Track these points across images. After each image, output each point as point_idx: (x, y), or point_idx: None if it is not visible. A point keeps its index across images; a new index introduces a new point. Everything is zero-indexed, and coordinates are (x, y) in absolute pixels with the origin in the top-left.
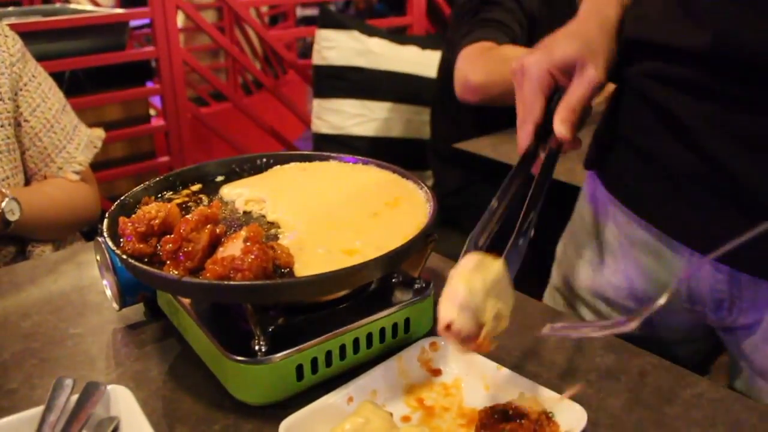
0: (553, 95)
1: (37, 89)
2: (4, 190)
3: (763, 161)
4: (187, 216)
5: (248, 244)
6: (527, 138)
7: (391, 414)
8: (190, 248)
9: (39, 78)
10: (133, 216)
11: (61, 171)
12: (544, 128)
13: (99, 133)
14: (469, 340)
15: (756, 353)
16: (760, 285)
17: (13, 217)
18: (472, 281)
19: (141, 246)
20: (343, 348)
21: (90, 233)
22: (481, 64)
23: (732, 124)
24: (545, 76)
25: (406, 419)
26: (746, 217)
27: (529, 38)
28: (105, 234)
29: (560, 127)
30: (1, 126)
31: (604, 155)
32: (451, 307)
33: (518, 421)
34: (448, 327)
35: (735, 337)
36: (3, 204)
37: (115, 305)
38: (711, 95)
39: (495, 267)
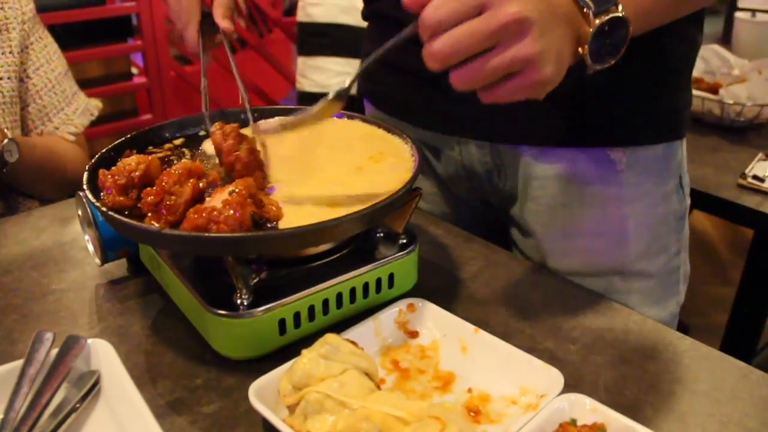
0: None
1: (43, 50)
2: (5, 130)
3: None
4: (170, 168)
5: (232, 195)
6: (194, 37)
7: (371, 377)
8: (172, 201)
9: (45, 41)
10: (113, 168)
11: (57, 131)
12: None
13: (96, 102)
14: None
15: (522, 213)
16: (514, 151)
17: (11, 159)
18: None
19: (121, 199)
20: (326, 302)
21: (73, 191)
22: None
23: None
24: None
25: (380, 382)
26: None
27: None
28: (85, 187)
29: (223, 22)
30: (8, 78)
31: (372, 81)
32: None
33: None
34: None
35: (508, 205)
36: (3, 143)
37: (97, 260)
38: None
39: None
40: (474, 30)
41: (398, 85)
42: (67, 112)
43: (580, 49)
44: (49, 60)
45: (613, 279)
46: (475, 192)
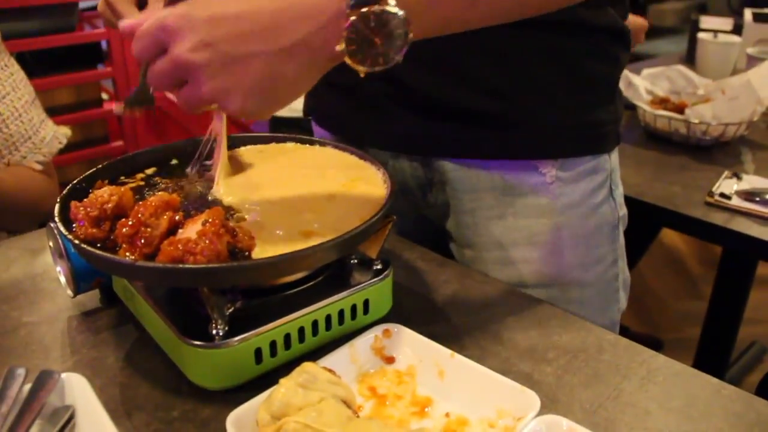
0: None
1: (9, 78)
2: None
3: (432, 73)
4: (146, 200)
5: (206, 226)
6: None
7: (348, 405)
8: (147, 233)
9: (11, 68)
10: (85, 200)
11: (24, 160)
12: None
13: (65, 130)
14: None
15: (457, 227)
16: (446, 165)
17: None
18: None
19: (94, 231)
20: (302, 330)
21: (43, 220)
22: None
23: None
24: None
25: (358, 408)
26: (421, 116)
27: None
28: (57, 219)
29: None
30: None
31: (315, 99)
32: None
33: None
34: None
35: (443, 219)
36: None
37: (70, 292)
38: None
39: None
40: (156, 71)
41: (334, 101)
42: (35, 141)
43: (337, 47)
44: (15, 88)
45: (552, 290)
46: (412, 207)
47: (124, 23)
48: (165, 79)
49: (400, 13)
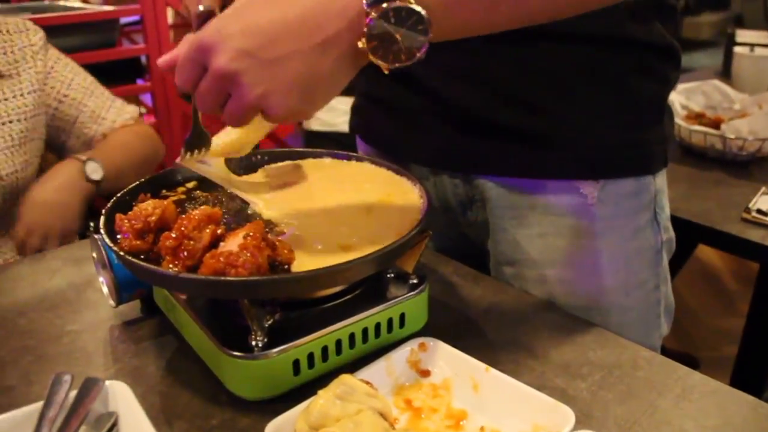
0: None
1: (66, 67)
2: (79, 156)
3: (474, 89)
4: (190, 213)
5: (247, 239)
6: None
7: (385, 417)
8: (190, 246)
9: (65, 59)
10: (130, 213)
11: (115, 123)
12: None
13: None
14: None
15: (497, 244)
16: (486, 183)
17: (97, 176)
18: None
19: (138, 243)
20: (339, 343)
21: (83, 232)
22: None
23: (443, 62)
24: None
25: (394, 421)
26: (461, 132)
27: None
28: (102, 231)
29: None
30: (18, 120)
31: (359, 116)
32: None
33: None
34: None
35: (483, 238)
36: (85, 168)
37: (112, 302)
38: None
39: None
40: (201, 92)
41: (378, 118)
42: (116, 105)
43: (359, 44)
44: (77, 73)
45: (591, 312)
46: (453, 225)
47: (161, 60)
48: (210, 96)
49: (419, 8)
